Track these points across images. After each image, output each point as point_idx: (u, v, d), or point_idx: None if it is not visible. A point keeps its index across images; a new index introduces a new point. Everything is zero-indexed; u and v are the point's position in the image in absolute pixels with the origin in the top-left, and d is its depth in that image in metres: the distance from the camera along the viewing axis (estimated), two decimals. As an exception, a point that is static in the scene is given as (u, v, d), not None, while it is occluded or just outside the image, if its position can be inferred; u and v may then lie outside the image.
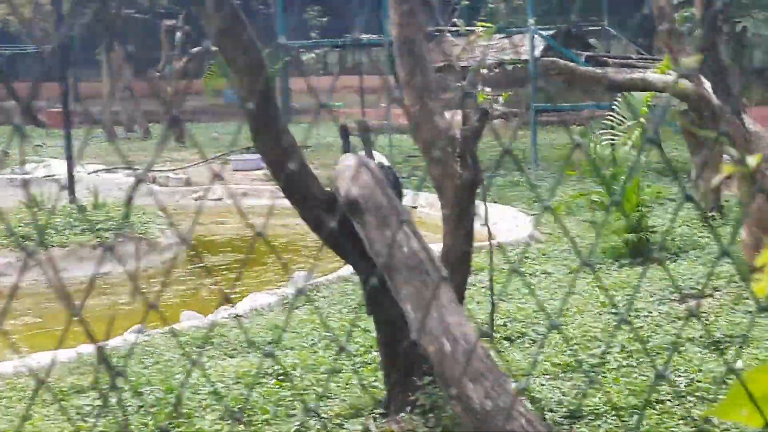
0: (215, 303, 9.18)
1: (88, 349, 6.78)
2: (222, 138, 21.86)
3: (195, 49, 20.56)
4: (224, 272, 11.37)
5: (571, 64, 6.88)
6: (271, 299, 8.31)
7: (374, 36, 18.06)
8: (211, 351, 6.87)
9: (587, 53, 16.08)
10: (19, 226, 10.96)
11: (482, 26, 6.75)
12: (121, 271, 10.86)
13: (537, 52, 14.16)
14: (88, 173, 16.76)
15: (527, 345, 6.49)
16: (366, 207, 5.02)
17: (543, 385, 5.62)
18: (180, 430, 5.20)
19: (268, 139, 5.09)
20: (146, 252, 11.41)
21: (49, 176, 16.57)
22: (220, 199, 15.92)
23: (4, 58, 21.10)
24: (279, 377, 5.98)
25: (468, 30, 7.87)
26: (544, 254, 9.12)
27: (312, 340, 6.82)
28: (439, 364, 4.31)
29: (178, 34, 20.88)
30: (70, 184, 12.44)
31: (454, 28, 13.58)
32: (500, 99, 6.51)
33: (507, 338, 6.60)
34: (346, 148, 5.60)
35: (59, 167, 17.63)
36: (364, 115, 17.86)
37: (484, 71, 6.57)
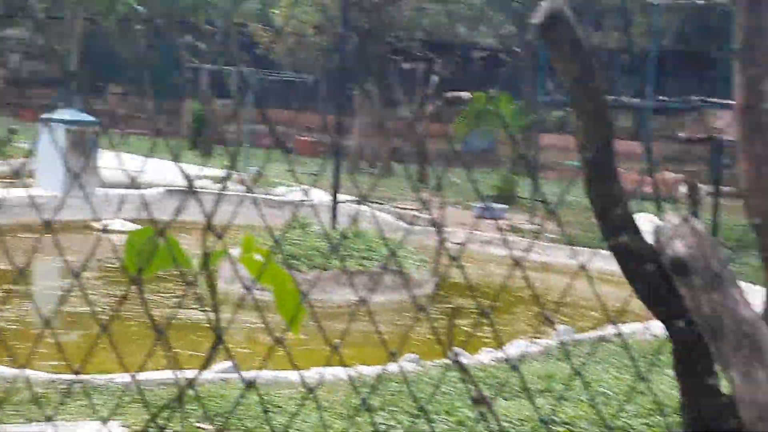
0: (471, 344, 9.26)
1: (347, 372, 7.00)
2: (461, 184, 22.12)
3: (450, 94, 21.00)
4: (473, 315, 11.43)
5: None
6: (534, 348, 8.30)
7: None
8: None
9: None
10: (287, 246, 11.45)
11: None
12: (378, 301, 11.16)
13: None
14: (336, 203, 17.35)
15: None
16: (694, 268, 4.93)
17: None
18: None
19: (601, 186, 5.09)
20: (400, 285, 11.66)
21: (303, 201, 17.28)
22: (462, 244, 16.08)
23: (264, 83, 22.24)
24: (565, 425, 5.95)
25: None
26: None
27: (588, 394, 6.75)
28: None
29: (434, 79, 21.40)
30: (334, 211, 12.91)
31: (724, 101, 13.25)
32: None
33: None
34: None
35: (314, 193, 18.33)
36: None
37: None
